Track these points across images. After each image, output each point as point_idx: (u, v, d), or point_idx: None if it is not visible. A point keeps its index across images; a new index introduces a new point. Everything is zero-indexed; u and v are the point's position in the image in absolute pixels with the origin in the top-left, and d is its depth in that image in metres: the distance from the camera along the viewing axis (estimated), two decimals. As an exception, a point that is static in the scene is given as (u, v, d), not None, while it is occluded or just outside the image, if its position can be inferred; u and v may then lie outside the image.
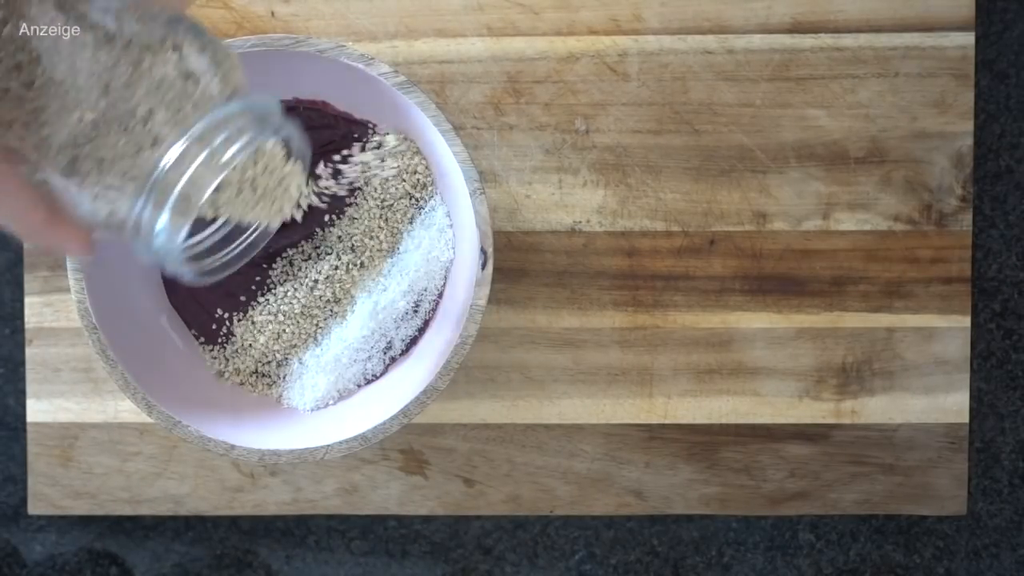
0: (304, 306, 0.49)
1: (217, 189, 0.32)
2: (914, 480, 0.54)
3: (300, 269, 0.50)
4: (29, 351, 0.53)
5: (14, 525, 0.56)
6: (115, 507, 0.54)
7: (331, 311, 0.50)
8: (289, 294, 0.50)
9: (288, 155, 0.35)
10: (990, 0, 0.55)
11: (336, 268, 0.49)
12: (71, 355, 0.53)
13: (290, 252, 0.50)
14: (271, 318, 0.50)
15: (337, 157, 0.50)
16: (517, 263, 0.53)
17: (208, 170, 0.31)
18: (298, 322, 0.49)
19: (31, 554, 0.56)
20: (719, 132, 0.53)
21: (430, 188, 0.50)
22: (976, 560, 0.56)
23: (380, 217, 0.50)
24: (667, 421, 0.54)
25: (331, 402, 0.50)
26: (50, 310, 0.53)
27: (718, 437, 0.54)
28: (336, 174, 0.48)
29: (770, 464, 0.54)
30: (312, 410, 0.49)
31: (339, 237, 0.50)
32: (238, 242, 0.38)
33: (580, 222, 0.53)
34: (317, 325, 0.50)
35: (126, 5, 0.31)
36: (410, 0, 0.52)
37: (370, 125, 0.50)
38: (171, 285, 0.50)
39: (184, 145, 0.31)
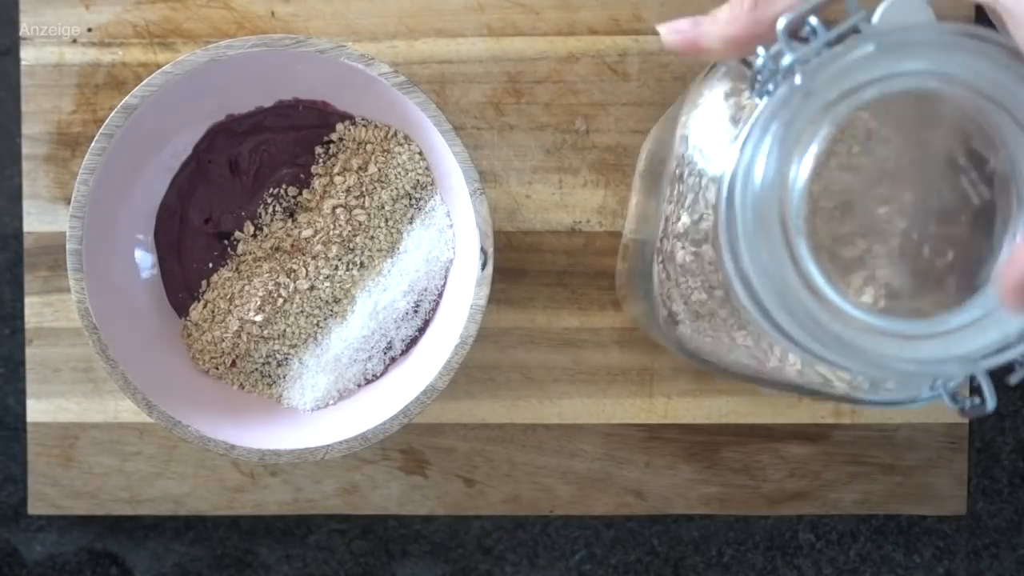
0: (304, 306, 0.49)
1: None
2: (914, 480, 0.54)
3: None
4: (29, 351, 0.53)
5: (14, 525, 0.56)
6: (115, 507, 0.54)
7: (331, 311, 0.50)
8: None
9: None
10: (990, 0, 0.55)
11: (336, 268, 0.49)
12: (71, 355, 0.53)
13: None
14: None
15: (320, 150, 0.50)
16: (517, 263, 0.53)
17: None
18: (298, 322, 0.49)
19: (31, 554, 0.56)
20: (719, 132, 0.53)
21: (430, 188, 0.50)
22: (976, 560, 0.56)
23: (380, 217, 0.50)
24: (667, 421, 0.54)
25: (331, 402, 0.50)
26: (50, 310, 0.53)
27: (718, 437, 0.54)
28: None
29: (770, 464, 0.54)
30: (312, 410, 0.49)
31: (339, 236, 0.50)
32: None
33: (580, 222, 0.53)
34: (317, 325, 0.50)
35: None
36: (410, 0, 0.52)
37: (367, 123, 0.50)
38: (171, 285, 0.50)
39: None
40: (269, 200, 0.50)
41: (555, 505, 0.54)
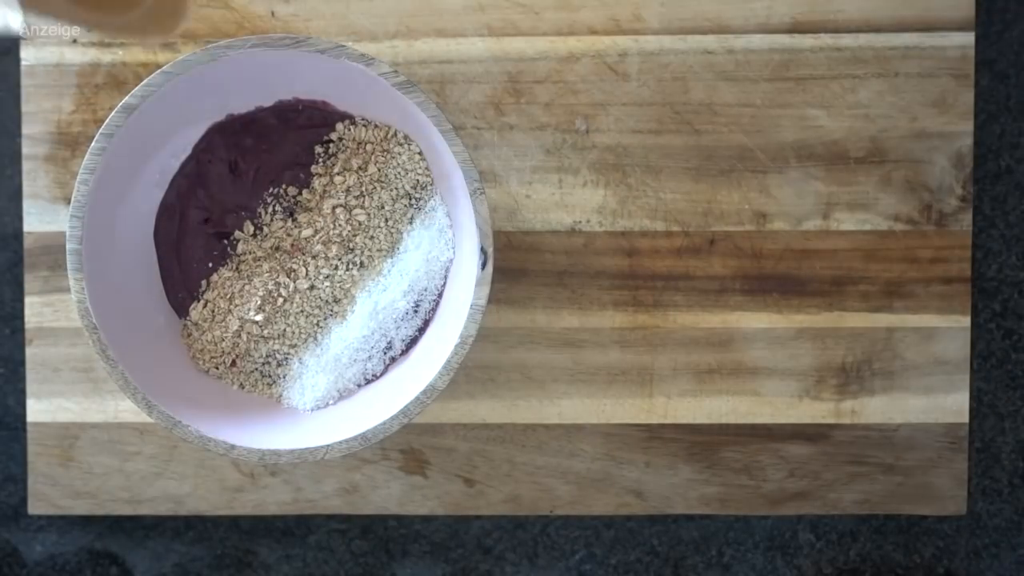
0: (304, 306, 0.49)
1: None
2: (914, 480, 0.54)
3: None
4: (29, 351, 0.53)
5: (14, 525, 0.56)
6: (115, 507, 0.54)
7: (331, 311, 0.50)
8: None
9: None
10: (990, 0, 0.55)
11: (336, 268, 0.50)
12: (71, 355, 0.53)
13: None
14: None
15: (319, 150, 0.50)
16: (517, 263, 0.53)
17: None
18: (298, 322, 0.50)
19: (31, 554, 0.56)
20: (719, 132, 0.53)
21: (430, 188, 0.50)
22: (976, 560, 0.56)
23: (380, 217, 0.50)
24: (667, 421, 0.54)
25: (331, 402, 0.50)
26: (50, 310, 0.53)
27: (718, 437, 0.54)
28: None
29: (770, 464, 0.54)
30: (312, 410, 0.49)
31: (339, 236, 0.50)
32: None
33: (580, 222, 0.53)
34: (317, 325, 0.50)
35: None
36: (410, 0, 0.52)
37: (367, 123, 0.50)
38: (171, 285, 0.50)
39: None
40: (269, 200, 0.50)
41: (555, 505, 0.54)
